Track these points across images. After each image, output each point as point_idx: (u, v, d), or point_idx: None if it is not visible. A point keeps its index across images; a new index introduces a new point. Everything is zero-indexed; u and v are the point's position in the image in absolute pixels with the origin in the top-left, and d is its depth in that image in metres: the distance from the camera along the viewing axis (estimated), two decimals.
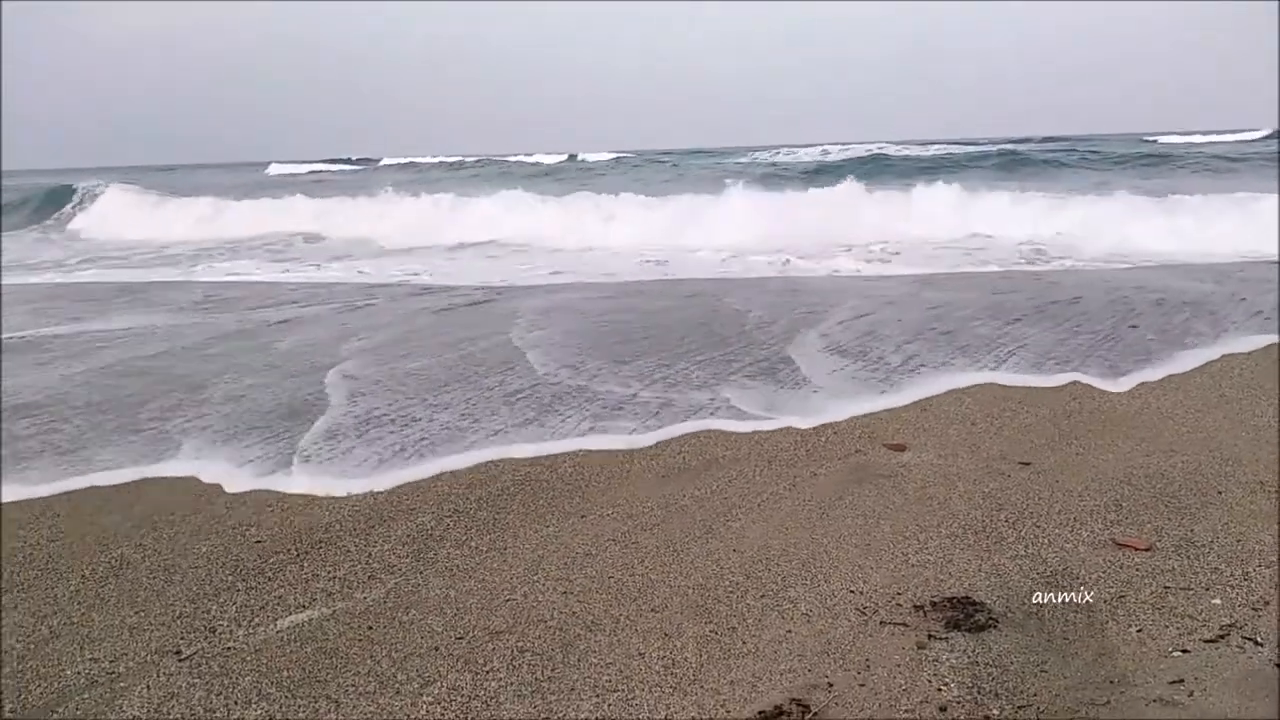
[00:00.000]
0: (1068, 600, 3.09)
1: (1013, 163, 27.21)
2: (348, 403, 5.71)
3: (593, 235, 16.12)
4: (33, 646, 3.09)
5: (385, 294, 10.59)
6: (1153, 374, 5.76)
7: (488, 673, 2.82)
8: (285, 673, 2.87)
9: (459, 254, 15.29)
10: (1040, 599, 3.11)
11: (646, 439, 4.87)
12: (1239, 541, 3.44)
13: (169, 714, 2.69)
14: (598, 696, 2.69)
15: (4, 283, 12.68)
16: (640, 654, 2.89)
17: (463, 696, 2.71)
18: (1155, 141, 37.77)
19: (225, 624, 3.19)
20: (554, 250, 15.05)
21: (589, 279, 11.35)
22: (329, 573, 3.53)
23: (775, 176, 25.38)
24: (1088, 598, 3.09)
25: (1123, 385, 5.55)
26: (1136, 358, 6.17)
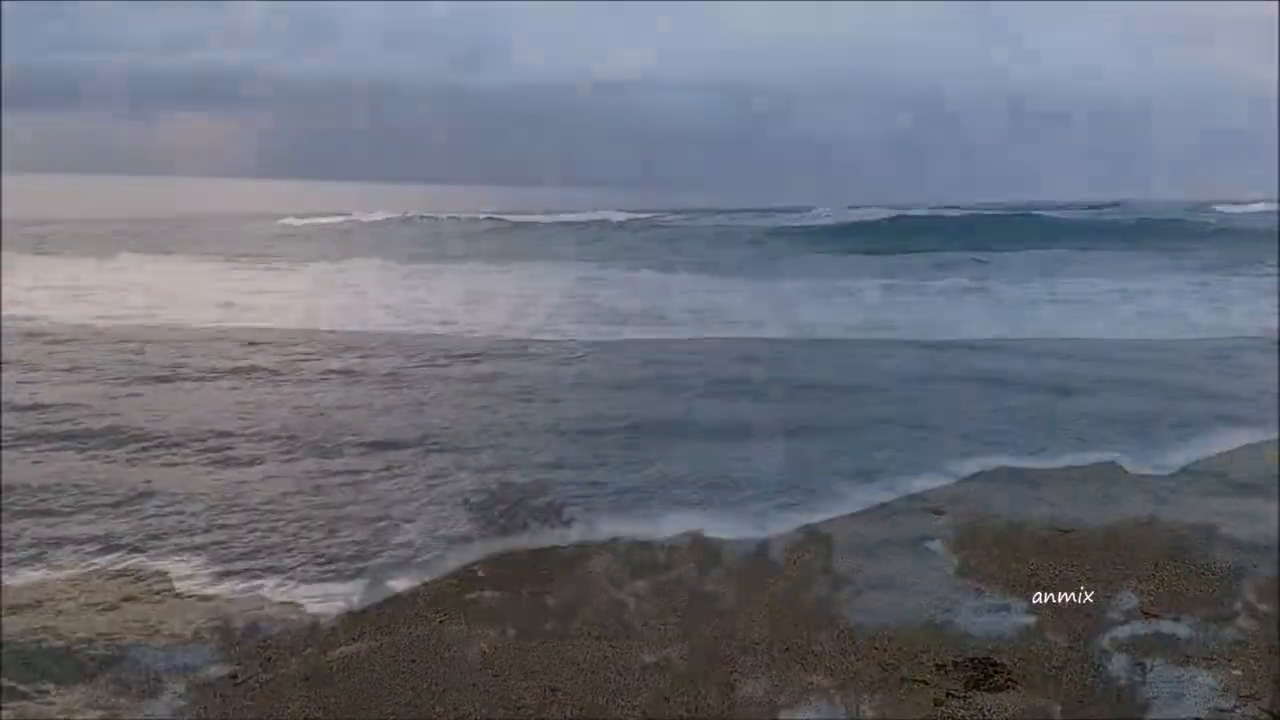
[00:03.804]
0: (1066, 600, 3.20)
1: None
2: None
3: None
4: None
5: None
6: (1207, 448, 5.73)
7: (519, 709, 2.97)
8: (332, 699, 3.05)
9: None
10: (1040, 599, 3.30)
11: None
12: (1269, 615, 3.45)
13: None
14: None
15: None
16: (666, 697, 3.02)
17: None
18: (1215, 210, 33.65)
19: (280, 653, 3.39)
20: None
21: None
22: (378, 610, 3.73)
23: None
24: (1088, 597, 3.19)
25: (1172, 458, 5.54)
26: (1190, 432, 6.13)
